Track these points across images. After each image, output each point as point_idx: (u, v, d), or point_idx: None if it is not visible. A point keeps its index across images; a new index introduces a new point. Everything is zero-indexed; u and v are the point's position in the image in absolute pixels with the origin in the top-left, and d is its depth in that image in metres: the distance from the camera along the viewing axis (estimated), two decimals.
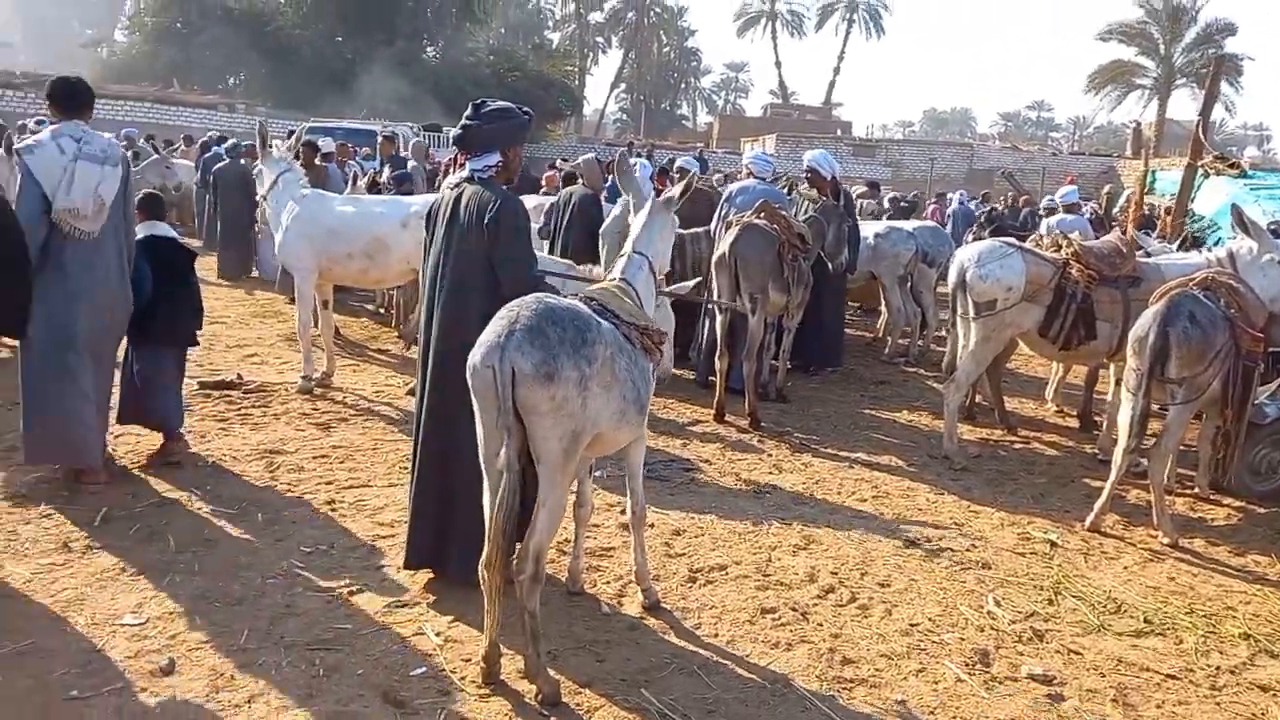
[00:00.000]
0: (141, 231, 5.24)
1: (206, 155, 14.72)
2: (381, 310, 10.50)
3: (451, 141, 4.03)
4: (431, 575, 4.09)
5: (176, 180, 14.03)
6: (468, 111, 3.92)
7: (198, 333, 5.63)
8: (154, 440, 5.42)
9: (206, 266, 12.83)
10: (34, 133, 7.46)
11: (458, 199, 3.88)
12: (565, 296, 3.54)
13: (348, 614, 3.81)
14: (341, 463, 5.57)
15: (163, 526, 4.49)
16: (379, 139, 14.76)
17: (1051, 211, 11.84)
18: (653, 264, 3.92)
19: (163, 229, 5.45)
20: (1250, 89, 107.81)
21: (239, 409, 6.46)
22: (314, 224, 7.12)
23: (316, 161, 10.93)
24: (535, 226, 8.53)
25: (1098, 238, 7.67)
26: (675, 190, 4.10)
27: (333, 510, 4.86)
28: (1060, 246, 6.36)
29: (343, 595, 3.95)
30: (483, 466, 3.34)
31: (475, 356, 3.19)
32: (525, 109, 4.04)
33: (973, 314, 6.25)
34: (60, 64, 48.20)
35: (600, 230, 7.76)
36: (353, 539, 4.52)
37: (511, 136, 3.94)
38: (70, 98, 4.84)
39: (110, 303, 4.88)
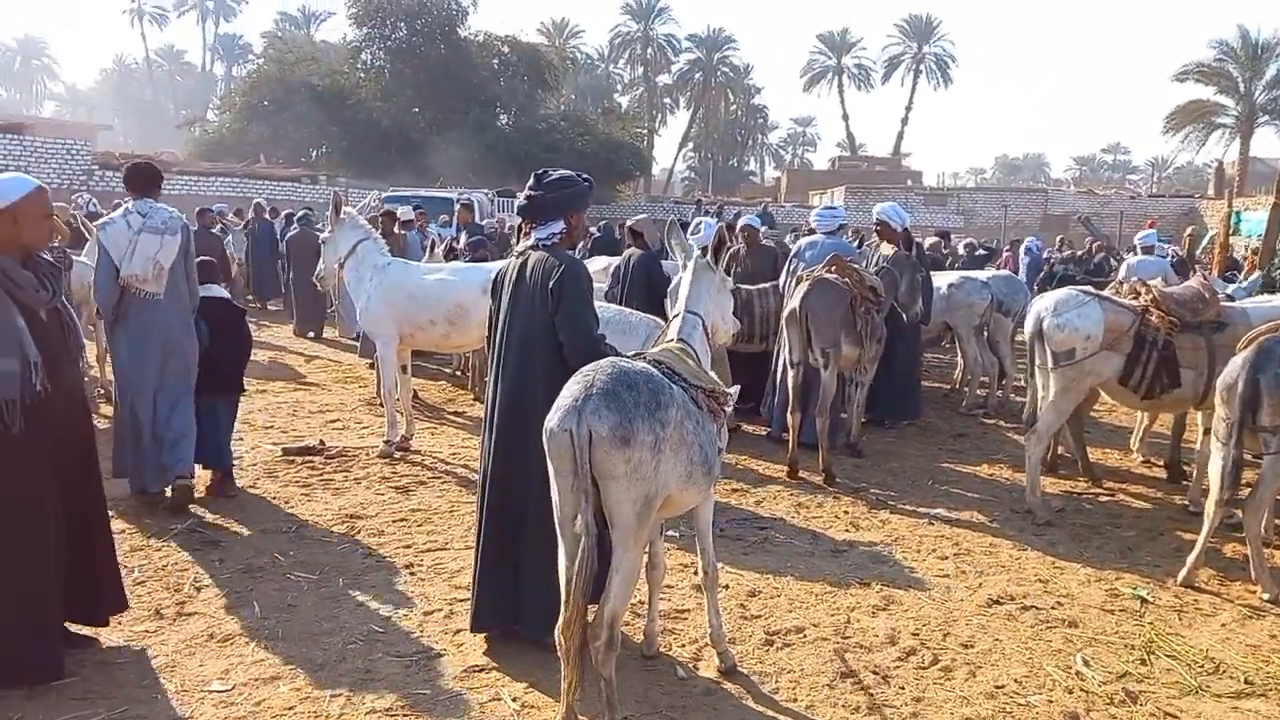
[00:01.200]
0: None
1: (292, 234, 15.35)
2: (459, 373, 10.71)
3: (516, 212, 4.15)
4: (501, 637, 4.12)
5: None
6: (530, 182, 4.05)
7: (242, 379, 6.38)
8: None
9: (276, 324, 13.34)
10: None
11: (523, 266, 3.99)
12: (630, 357, 3.60)
13: (426, 679, 3.85)
14: (420, 526, 5.67)
15: (249, 593, 4.61)
16: (456, 206, 15.18)
17: (1109, 251, 11.69)
18: (705, 322, 3.96)
19: (215, 290, 6.24)
20: None
21: (321, 474, 6.63)
22: (396, 291, 7.33)
23: (396, 230, 11.33)
24: (603, 287, 8.66)
25: (1181, 279, 7.48)
26: (710, 248, 4.13)
27: (411, 573, 4.94)
28: (1139, 294, 6.21)
29: (421, 660, 4.00)
30: (558, 530, 3.37)
31: (552, 420, 3.24)
32: (585, 176, 4.16)
33: (1051, 364, 6.13)
34: (157, 143, 50.96)
35: (669, 290, 7.82)
36: (431, 602, 4.58)
37: (573, 204, 4.06)
38: (140, 179, 5.71)
39: (173, 349, 5.63)
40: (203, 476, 6.06)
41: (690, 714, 3.65)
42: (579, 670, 3.27)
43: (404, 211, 12.59)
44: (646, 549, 3.83)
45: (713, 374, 3.82)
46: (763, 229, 11.03)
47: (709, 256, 4.07)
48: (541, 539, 3.59)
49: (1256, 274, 9.73)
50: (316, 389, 9.72)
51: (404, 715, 3.57)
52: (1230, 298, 7.18)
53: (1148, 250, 11.64)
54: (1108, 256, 17.54)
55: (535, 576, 3.82)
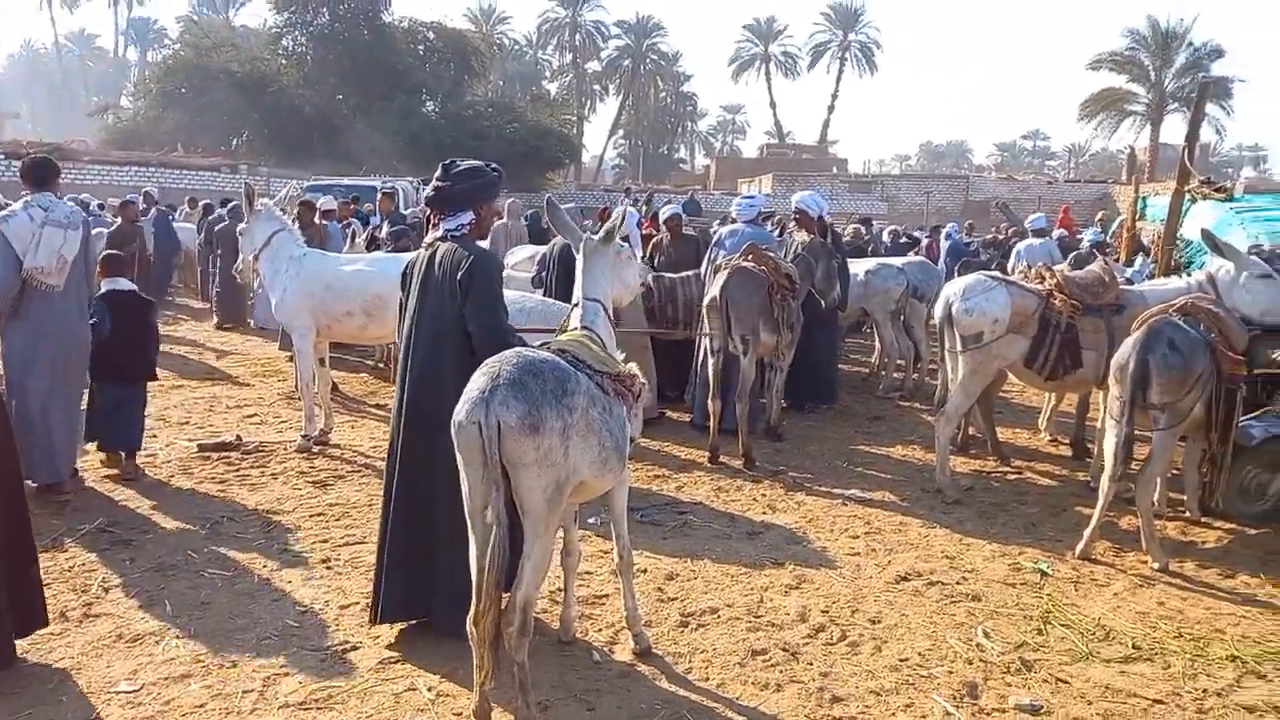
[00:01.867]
0: (105, 286, 6.27)
1: (210, 217, 15.01)
2: (380, 365, 10.61)
3: (423, 203, 4.15)
4: (416, 630, 4.13)
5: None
6: (438, 173, 4.05)
7: (155, 368, 6.66)
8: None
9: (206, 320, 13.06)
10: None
11: (432, 257, 3.99)
12: (536, 347, 3.64)
13: (342, 672, 3.86)
14: (338, 520, 5.64)
15: (159, 592, 4.55)
16: (379, 195, 15.00)
17: (1023, 237, 12.09)
18: (606, 306, 4.02)
19: (123, 283, 6.41)
20: (1245, 110, 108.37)
21: (237, 470, 6.55)
22: (313, 282, 7.25)
23: (316, 220, 11.16)
24: (529, 276, 8.69)
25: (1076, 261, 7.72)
26: (603, 229, 4.15)
27: (328, 568, 4.93)
28: (1044, 278, 6.43)
29: (337, 653, 4.00)
30: (469, 520, 3.39)
31: (460, 413, 3.27)
32: (495, 166, 4.16)
33: (960, 347, 6.33)
34: (68, 131, 49.24)
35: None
36: (348, 596, 4.57)
37: (483, 194, 4.07)
38: (37, 173, 5.71)
39: (71, 342, 5.72)
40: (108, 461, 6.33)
41: (605, 696, 3.72)
42: (492, 658, 3.31)
43: (325, 201, 12.40)
44: (560, 536, 3.89)
45: (619, 357, 3.88)
46: (687, 217, 11.13)
47: (603, 236, 4.11)
48: (453, 530, 3.62)
49: (1140, 258, 10.14)
50: (234, 383, 9.55)
51: (318, 708, 3.58)
52: (1129, 281, 7.50)
53: (1038, 234, 12.04)
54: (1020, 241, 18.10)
55: (448, 568, 3.85)
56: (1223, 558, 5.42)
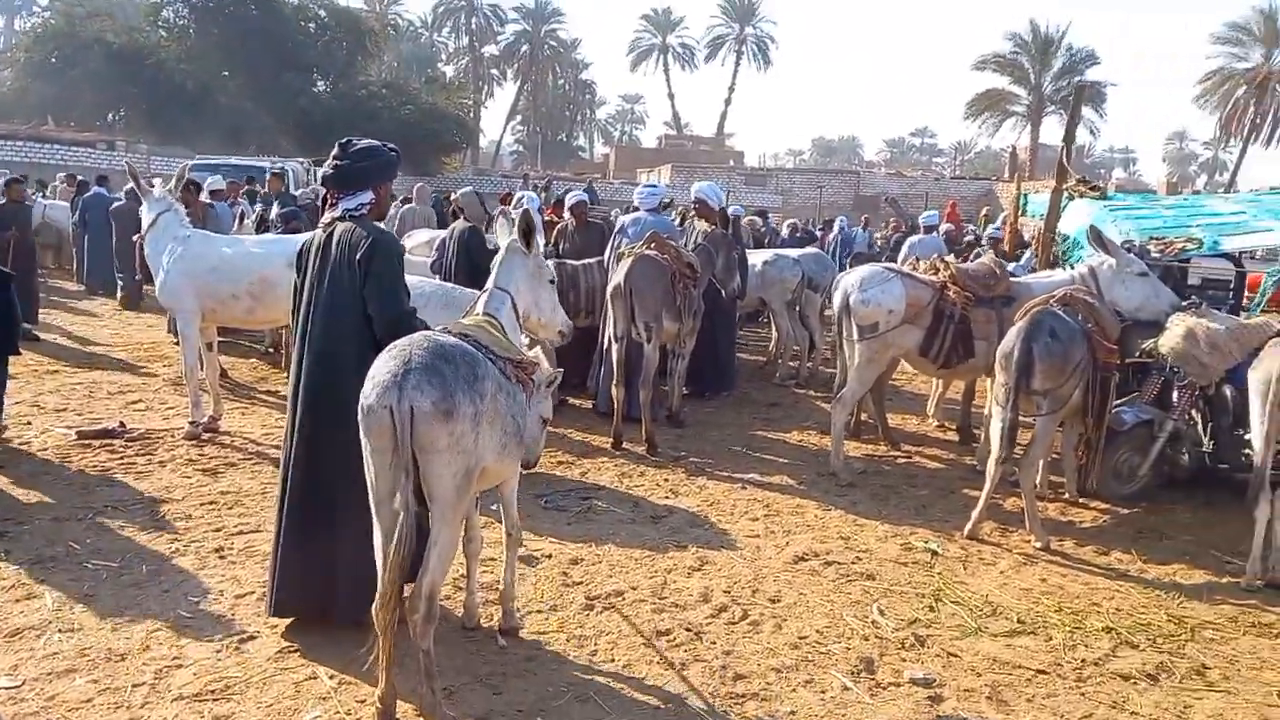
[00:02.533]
0: None
1: (86, 195, 14.33)
2: (270, 350, 10.31)
3: (320, 181, 4.03)
4: (315, 619, 4.04)
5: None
6: (335, 151, 3.94)
7: (17, 341, 6.66)
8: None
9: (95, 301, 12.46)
10: None
11: (329, 238, 3.89)
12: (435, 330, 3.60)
13: (238, 662, 3.75)
14: (230, 508, 5.47)
15: (39, 584, 4.34)
16: (267, 175, 14.54)
17: (916, 229, 12.50)
18: (514, 300, 3.98)
19: None
20: (1116, 114, 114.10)
21: (121, 458, 6.27)
22: (197, 264, 6.98)
23: (202, 199, 10.76)
24: (428, 260, 8.56)
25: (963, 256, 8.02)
26: (520, 231, 4.14)
27: (221, 557, 4.78)
28: (939, 269, 6.66)
29: (233, 644, 3.89)
30: (373, 508, 3.34)
31: (370, 397, 3.20)
32: (392, 146, 4.09)
33: (856, 336, 6.51)
34: None
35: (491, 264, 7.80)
36: (243, 585, 4.44)
37: (382, 174, 3.99)
38: None
39: None
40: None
41: (510, 680, 3.71)
42: (394, 645, 3.27)
43: (212, 181, 11.96)
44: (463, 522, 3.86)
45: (520, 344, 3.87)
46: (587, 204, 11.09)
47: (521, 240, 4.08)
48: (353, 518, 3.55)
49: (1028, 253, 10.59)
50: (116, 369, 9.13)
51: (214, 699, 3.48)
52: (1012, 274, 7.81)
53: (929, 229, 12.46)
54: (906, 236, 18.67)
55: (348, 558, 3.76)
56: (1098, 536, 5.73)
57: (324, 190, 4.02)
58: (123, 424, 6.96)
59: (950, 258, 8.19)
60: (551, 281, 4.21)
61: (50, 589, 4.29)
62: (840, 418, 6.67)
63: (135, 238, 7.27)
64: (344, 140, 3.98)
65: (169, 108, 35.84)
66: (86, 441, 6.54)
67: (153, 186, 7.32)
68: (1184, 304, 6.26)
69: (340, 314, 3.83)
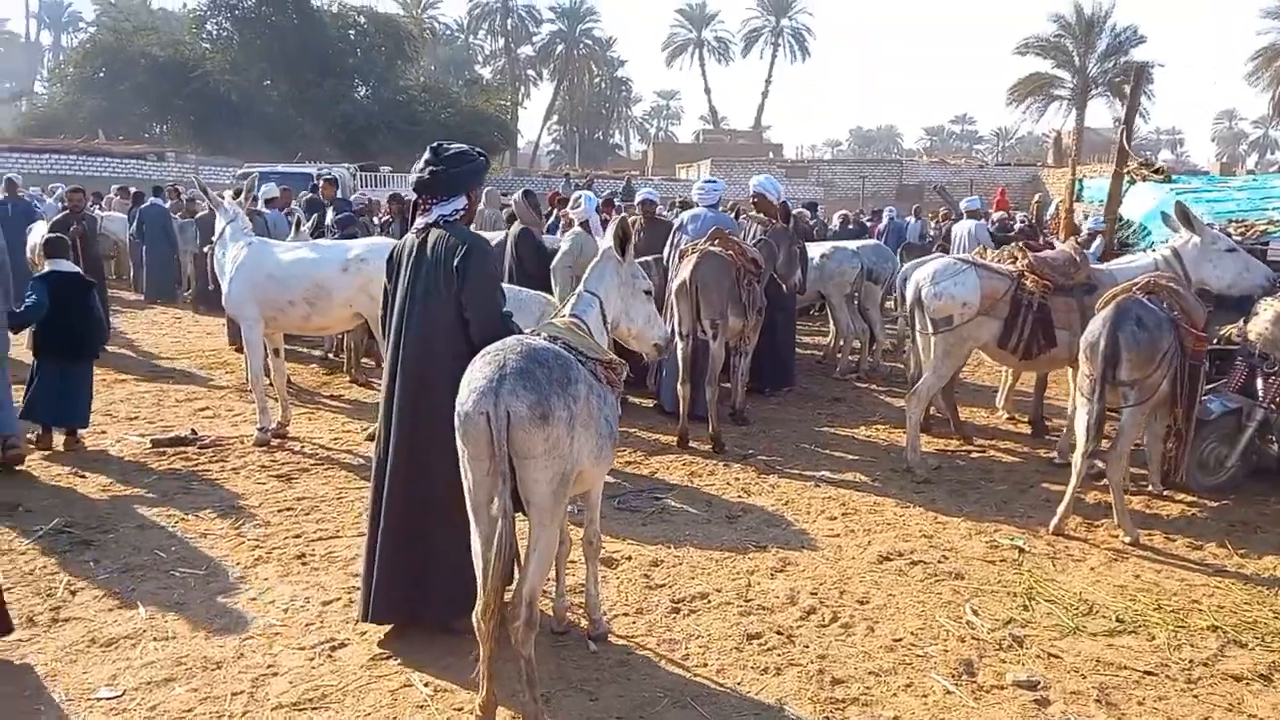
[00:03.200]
0: (48, 266, 6.64)
1: (143, 206, 14.57)
2: (330, 355, 10.39)
3: (414, 187, 4.00)
4: (402, 624, 4.03)
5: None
6: (428, 156, 3.90)
7: (102, 347, 7.05)
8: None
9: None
10: None
11: (423, 244, 3.87)
12: (526, 333, 3.57)
13: (333, 670, 3.74)
14: (308, 514, 5.49)
15: (130, 593, 4.38)
16: (319, 182, 14.65)
17: (963, 216, 12.29)
18: (603, 304, 3.91)
19: (65, 265, 6.69)
20: (1160, 94, 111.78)
21: (195, 465, 6.33)
22: (256, 271, 7.02)
23: (256, 207, 10.86)
24: None
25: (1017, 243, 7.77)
26: (622, 245, 4.00)
27: (304, 563, 4.79)
28: (1015, 259, 6.51)
29: (325, 651, 3.89)
30: (471, 514, 3.31)
31: (467, 403, 3.17)
32: (480, 151, 4.06)
33: (931, 330, 6.39)
34: None
35: (551, 267, 7.78)
36: (328, 592, 4.45)
37: (474, 179, 3.97)
38: None
39: None
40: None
41: (605, 686, 3.67)
42: (495, 651, 3.24)
43: (267, 189, 12.08)
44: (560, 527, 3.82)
45: (604, 346, 3.82)
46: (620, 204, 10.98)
47: (616, 247, 3.99)
48: (451, 523, 3.53)
49: (1098, 240, 10.32)
50: (181, 378, 9.23)
51: (313, 708, 3.47)
52: None
53: (972, 214, 12.23)
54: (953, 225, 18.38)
55: (445, 561, 3.74)
56: (1188, 530, 5.56)
57: (416, 196, 3.98)
58: (194, 431, 7.04)
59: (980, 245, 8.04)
60: (648, 292, 4.10)
61: (141, 598, 4.32)
62: (916, 412, 6.55)
63: (205, 248, 7.35)
64: (435, 145, 3.95)
65: (214, 118, 36.46)
66: (161, 450, 6.61)
67: (223, 197, 7.42)
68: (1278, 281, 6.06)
69: (435, 320, 3.80)
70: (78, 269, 6.90)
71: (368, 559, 3.95)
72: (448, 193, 3.89)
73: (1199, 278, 6.09)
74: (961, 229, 11.84)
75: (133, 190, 17.05)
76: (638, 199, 9.47)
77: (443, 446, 3.39)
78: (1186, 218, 6.23)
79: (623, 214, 4.41)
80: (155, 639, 3.96)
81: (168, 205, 15.76)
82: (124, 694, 3.54)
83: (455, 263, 3.73)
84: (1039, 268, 6.30)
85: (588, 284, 3.91)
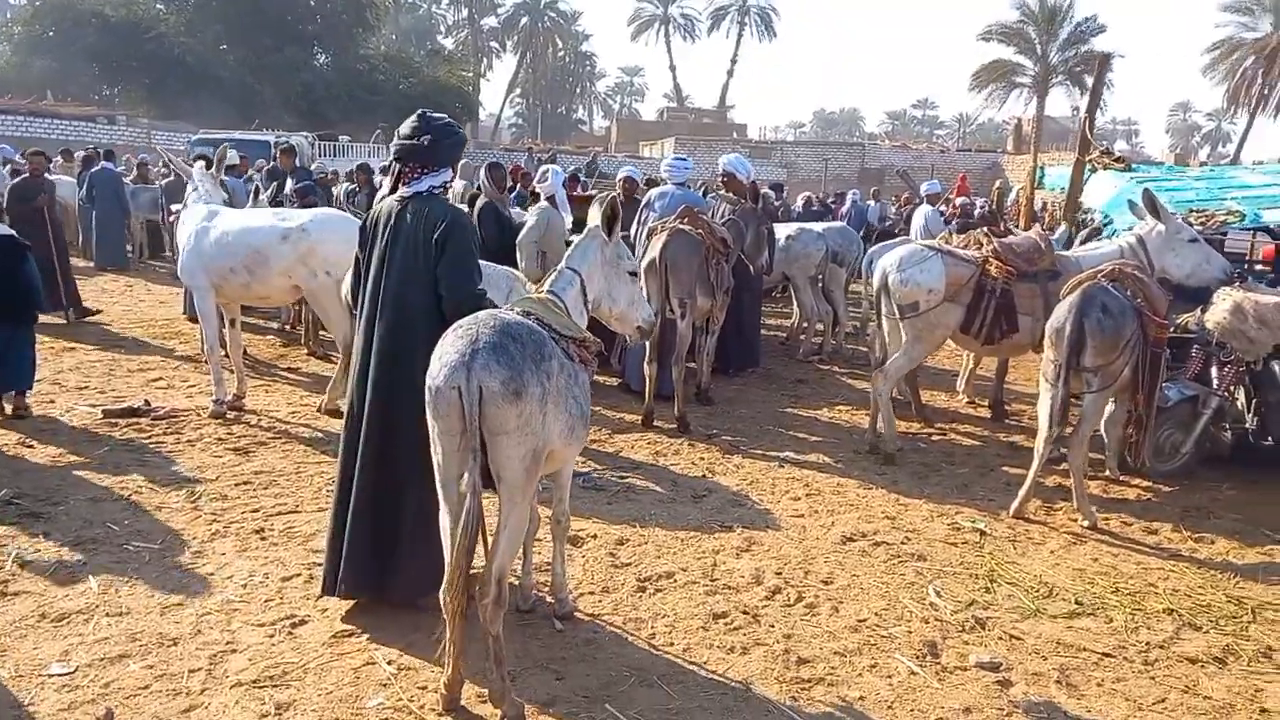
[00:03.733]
0: None
1: (93, 170, 14.15)
2: (287, 327, 10.21)
3: (397, 155, 3.86)
4: (364, 601, 3.97)
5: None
6: (419, 124, 3.76)
7: (37, 309, 6.79)
8: None
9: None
10: None
11: (402, 214, 3.77)
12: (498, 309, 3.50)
13: (293, 647, 3.68)
14: (266, 488, 5.39)
15: (82, 567, 4.27)
16: (276, 150, 14.37)
17: (924, 200, 12.39)
18: (584, 282, 3.85)
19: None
20: (1118, 85, 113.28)
21: (150, 437, 6.19)
22: (203, 239, 6.84)
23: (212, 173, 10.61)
24: None
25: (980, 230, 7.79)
26: (608, 225, 3.93)
27: (263, 538, 4.70)
28: (981, 244, 6.55)
29: (285, 628, 3.82)
30: (440, 490, 3.26)
31: (438, 377, 3.11)
32: (458, 125, 3.99)
33: (898, 316, 6.43)
34: None
35: (517, 241, 7.68)
36: (288, 567, 4.37)
37: (459, 153, 3.96)
38: None
39: None
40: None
41: (572, 665, 3.64)
42: (463, 630, 3.20)
43: (230, 155, 11.81)
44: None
45: (582, 325, 3.76)
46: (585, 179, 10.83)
47: (604, 226, 3.92)
48: (422, 499, 3.48)
49: (1063, 227, 10.43)
50: (133, 347, 9.01)
51: (273, 685, 3.40)
52: None
53: (932, 199, 12.30)
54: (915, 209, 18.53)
55: (413, 537, 3.69)
56: (1144, 515, 5.65)
57: (402, 163, 3.84)
58: (148, 402, 6.87)
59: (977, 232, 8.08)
60: (633, 274, 4.03)
61: (93, 571, 4.21)
62: (884, 389, 6.61)
63: (172, 216, 7.19)
64: (424, 113, 3.83)
65: (169, 82, 35.58)
66: (113, 420, 6.45)
67: (193, 167, 7.28)
68: (1234, 273, 6.16)
69: (413, 292, 3.72)
70: (12, 232, 6.77)
71: (335, 531, 3.87)
72: (438, 164, 3.81)
73: (1161, 266, 6.17)
74: (920, 215, 11.92)
75: (81, 154, 16.54)
76: (619, 176, 9.36)
77: (416, 422, 3.33)
78: (1154, 206, 6.30)
79: (613, 194, 4.31)
80: (108, 614, 3.86)
81: (119, 169, 15.37)
82: (76, 670, 3.45)
83: (436, 236, 3.66)
84: (1003, 254, 6.34)
85: (570, 261, 3.85)
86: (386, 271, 3.77)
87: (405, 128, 3.78)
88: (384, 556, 3.80)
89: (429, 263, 3.68)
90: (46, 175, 10.48)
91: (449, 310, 3.61)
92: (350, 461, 3.83)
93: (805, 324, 10.34)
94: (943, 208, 13.16)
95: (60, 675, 3.41)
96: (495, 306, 3.58)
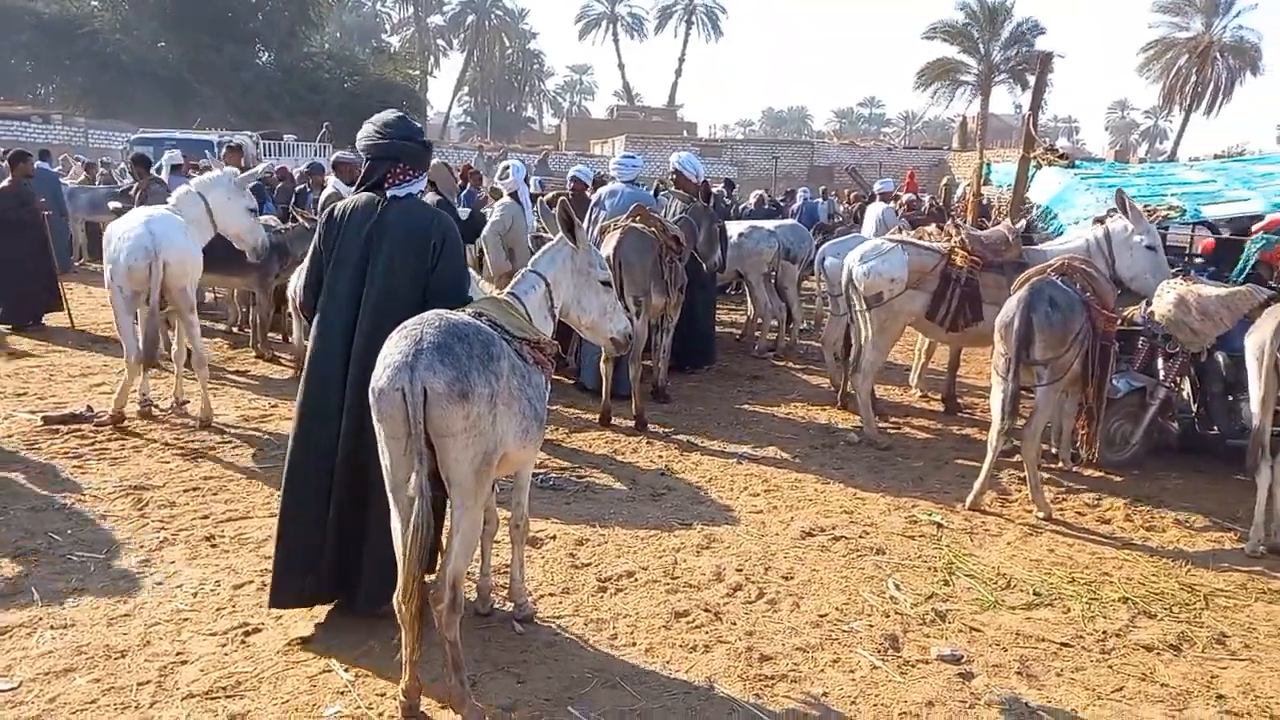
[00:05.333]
0: None
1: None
2: (235, 330, 10.00)
3: (388, 152, 3.72)
4: (319, 609, 3.89)
5: None
6: (403, 127, 3.73)
7: None
8: None
9: None
10: None
11: (384, 212, 3.69)
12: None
13: (246, 656, 3.58)
14: (215, 494, 5.25)
15: (23, 579, 4.12)
16: (221, 150, 14.10)
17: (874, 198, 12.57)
18: (550, 287, 3.78)
19: None
20: (1058, 84, 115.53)
21: (93, 444, 6.00)
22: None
23: (157, 174, 10.39)
24: None
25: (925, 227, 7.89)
26: (575, 235, 3.87)
27: (213, 546, 4.58)
28: (950, 235, 6.65)
29: (238, 637, 3.72)
30: (390, 495, 3.19)
31: (381, 379, 3.04)
32: None
33: (864, 308, 6.52)
34: None
35: (482, 236, 7.59)
36: (240, 575, 4.26)
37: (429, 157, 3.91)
38: None
39: None
40: None
41: (533, 668, 3.59)
42: (419, 636, 3.13)
43: (170, 156, 11.64)
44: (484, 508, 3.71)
45: (545, 329, 3.71)
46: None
47: (565, 232, 3.86)
48: (384, 503, 3.41)
49: (1022, 223, 10.57)
50: (74, 349, 8.76)
51: (226, 696, 3.31)
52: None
53: (885, 196, 12.44)
54: (865, 207, 18.73)
55: (379, 546, 3.56)
56: (1096, 505, 5.74)
57: (371, 161, 3.77)
58: (90, 408, 6.67)
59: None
60: (605, 284, 3.94)
61: (35, 583, 4.07)
62: (864, 387, 6.73)
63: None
64: (398, 116, 3.78)
65: (104, 80, 34.74)
66: (54, 427, 6.25)
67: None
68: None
69: (396, 294, 3.62)
70: None
71: (285, 538, 3.74)
72: (422, 168, 3.79)
73: (1111, 259, 6.28)
74: (874, 211, 12.00)
75: (13, 152, 16.02)
76: (569, 175, 9.31)
77: None
78: (1124, 205, 6.41)
79: (562, 196, 4.28)
80: (52, 627, 3.73)
81: (57, 170, 14.95)
82: (20, 685, 3.32)
83: (434, 240, 3.62)
84: (970, 244, 6.44)
85: (536, 264, 3.80)
86: (368, 272, 3.66)
87: (400, 127, 3.72)
88: (349, 565, 3.70)
89: (422, 263, 3.63)
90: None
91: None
92: (307, 457, 3.71)
93: (759, 321, 10.37)
94: (893, 205, 13.29)
95: (3, 690, 3.29)
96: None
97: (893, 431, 7.26)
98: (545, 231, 3.77)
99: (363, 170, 3.85)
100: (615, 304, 4.06)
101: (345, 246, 3.72)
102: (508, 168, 8.27)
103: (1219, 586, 4.60)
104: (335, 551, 3.70)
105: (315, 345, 3.77)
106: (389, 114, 3.82)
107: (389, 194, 3.73)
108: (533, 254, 4.15)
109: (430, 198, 8.04)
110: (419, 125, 3.81)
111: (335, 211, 3.81)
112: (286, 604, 3.82)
